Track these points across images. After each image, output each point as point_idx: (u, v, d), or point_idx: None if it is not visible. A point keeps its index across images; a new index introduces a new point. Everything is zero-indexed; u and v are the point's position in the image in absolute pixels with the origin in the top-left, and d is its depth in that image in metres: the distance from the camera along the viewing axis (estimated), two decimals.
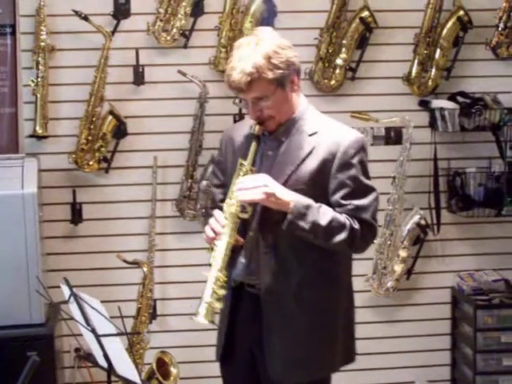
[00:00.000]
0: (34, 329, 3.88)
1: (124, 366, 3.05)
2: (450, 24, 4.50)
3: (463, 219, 4.61)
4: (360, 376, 4.51)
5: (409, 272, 4.58)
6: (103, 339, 3.02)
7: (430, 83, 4.53)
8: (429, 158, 4.58)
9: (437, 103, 4.54)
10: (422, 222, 4.52)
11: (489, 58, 4.58)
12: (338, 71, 4.48)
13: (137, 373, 3.00)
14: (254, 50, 2.79)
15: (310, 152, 2.86)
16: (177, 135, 4.44)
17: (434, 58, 4.51)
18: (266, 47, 2.80)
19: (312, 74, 4.48)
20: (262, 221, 2.88)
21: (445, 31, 4.50)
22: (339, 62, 4.46)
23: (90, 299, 3.06)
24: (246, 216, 2.84)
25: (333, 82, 4.50)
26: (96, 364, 3.25)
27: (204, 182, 4.39)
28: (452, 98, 4.56)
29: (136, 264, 4.33)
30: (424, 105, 4.58)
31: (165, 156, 4.44)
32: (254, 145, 2.87)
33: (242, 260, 2.96)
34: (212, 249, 2.85)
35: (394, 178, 4.41)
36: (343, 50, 4.46)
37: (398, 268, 4.48)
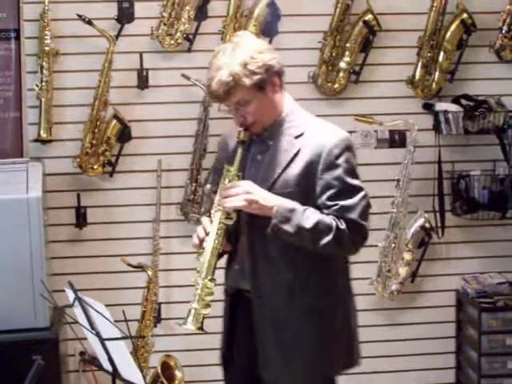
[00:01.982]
0: (38, 332, 3.88)
1: (129, 369, 3.05)
2: (453, 27, 4.50)
3: (468, 222, 4.61)
4: (364, 379, 4.51)
5: (413, 275, 4.58)
6: (108, 343, 3.02)
7: (433, 86, 4.53)
8: (433, 161, 4.58)
9: (441, 106, 4.54)
10: (427, 224, 4.52)
11: (492, 61, 4.58)
12: (341, 74, 4.48)
13: (141, 376, 3.00)
14: (230, 58, 2.77)
15: (296, 154, 2.84)
16: (181, 139, 4.45)
17: (438, 61, 4.51)
18: (242, 53, 2.78)
19: (316, 77, 4.48)
20: (250, 226, 2.88)
21: (448, 34, 4.50)
22: (343, 65, 4.47)
23: (94, 303, 3.06)
24: (230, 222, 2.85)
25: (336, 86, 4.50)
26: (101, 368, 3.25)
27: (208, 186, 4.39)
28: (456, 100, 4.56)
29: (140, 268, 4.34)
30: (428, 108, 4.58)
31: (169, 160, 4.44)
32: (240, 150, 2.88)
33: (235, 266, 2.97)
34: (199, 255, 2.89)
35: (398, 180, 4.41)
36: (347, 53, 4.47)
37: (403, 271, 4.48)
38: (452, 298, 4.72)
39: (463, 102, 4.55)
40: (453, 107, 4.51)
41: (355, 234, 2.84)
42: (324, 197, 2.82)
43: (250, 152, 2.92)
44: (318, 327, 2.91)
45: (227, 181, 2.86)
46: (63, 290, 3.23)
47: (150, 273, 4.35)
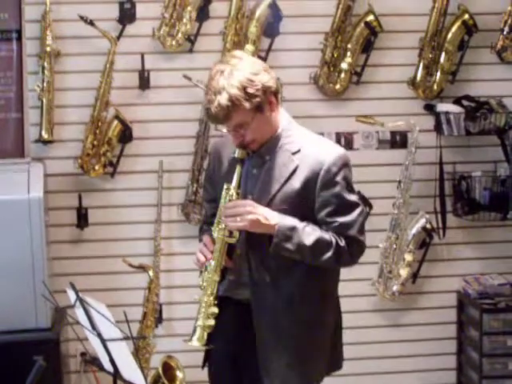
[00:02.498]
0: (40, 333, 3.89)
1: (130, 370, 3.05)
2: (454, 28, 4.50)
3: (469, 223, 4.61)
4: (366, 380, 4.51)
5: (414, 276, 4.58)
6: (109, 343, 3.02)
7: (435, 87, 4.53)
8: (434, 162, 4.58)
9: (442, 107, 4.54)
10: (428, 225, 4.52)
11: (494, 62, 4.58)
12: (343, 75, 4.48)
13: (143, 377, 3.00)
14: (228, 82, 2.76)
15: (294, 171, 2.86)
16: (182, 139, 4.45)
17: (439, 62, 4.51)
18: (240, 77, 2.77)
19: (317, 78, 4.48)
20: (249, 240, 2.91)
21: (450, 35, 4.50)
22: (344, 66, 4.46)
23: (95, 304, 3.06)
24: (233, 241, 2.89)
25: (338, 87, 4.50)
26: (102, 368, 3.25)
27: None
28: (457, 101, 4.56)
29: (142, 268, 4.34)
30: (429, 109, 4.58)
31: (170, 160, 4.44)
32: (238, 169, 2.90)
33: (230, 278, 2.98)
34: (202, 272, 2.95)
35: (399, 182, 4.41)
36: (348, 54, 4.47)
37: (404, 272, 4.48)
38: (453, 299, 4.71)
39: (464, 102, 4.55)
40: (454, 108, 4.51)
41: (354, 249, 2.90)
42: (323, 213, 2.87)
43: (245, 165, 2.93)
44: (315, 336, 2.97)
45: (227, 199, 2.89)
46: (64, 291, 3.23)
47: (151, 273, 4.35)
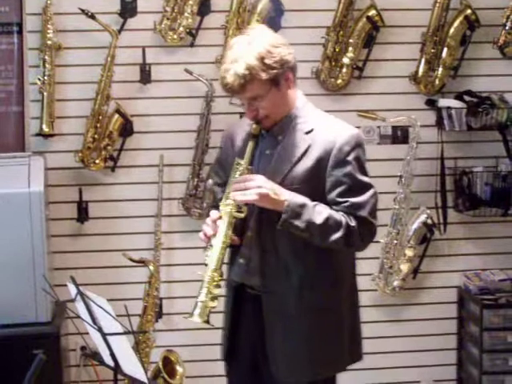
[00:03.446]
0: (40, 327, 3.89)
1: (130, 364, 3.05)
2: (457, 23, 4.49)
3: (470, 218, 4.60)
4: (366, 375, 4.51)
5: (415, 271, 4.57)
6: (110, 338, 3.02)
7: (436, 82, 4.52)
8: (435, 157, 4.57)
9: (444, 102, 4.53)
10: (429, 221, 4.51)
11: (496, 57, 4.56)
12: (344, 70, 4.47)
13: (143, 371, 3.00)
14: (246, 51, 2.75)
15: (306, 150, 2.84)
16: (183, 134, 4.44)
17: (441, 57, 4.50)
18: (259, 47, 2.76)
19: (319, 72, 4.47)
20: (260, 220, 2.88)
21: (452, 30, 4.49)
22: (346, 60, 4.46)
23: (96, 297, 3.06)
24: (241, 216, 2.84)
25: (339, 81, 4.49)
26: (102, 362, 3.25)
27: (210, 181, 4.39)
28: (459, 97, 4.55)
29: (142, 262, 4.33)
30: (431, 104, 4.57)
31: (171, 154, 4.44)
32: (250, 144, 2.88)
33: (240, 260, 2.96)
34: (207, 248, 2.87)
35: (400, 177, 4.41)
36: (350, 48, 4.46)
37: (405, 267, 4.47)
38: (454, 294, 4.71)
39: (466, 98, 4.54)
40: (456, 103, 4.50)
41: (365, 231, 2.84)
42: (334, 193, 2.82)
43: (259, 146, 2.91)
44: (326, 323, 2.92)
45: (238, 174, 2.85)
46: (65, 285, 3.24)
47: (151, 268, 4.35)
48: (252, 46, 2.76)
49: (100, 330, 3.03)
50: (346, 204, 2.81)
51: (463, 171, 4.57)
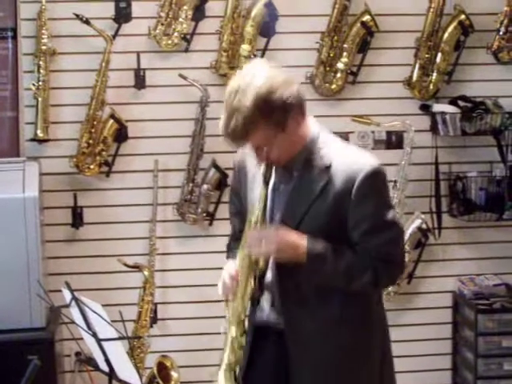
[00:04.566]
0: (34, 333, 3.88)
1: (125, 370, 3.05)
2: (451, 28, 4.50)
3: (464, 223, 4.61)
4: None
5: (410, 276, 4.57)
6: (104, 343, 3.02)
7: (431, 87, 4.53)
8: (430, 162, 4.58)
9: (438, 107, 4.54)
10: (423, 226, 4.52)
11: (490, 63, 4.58)
12: (339, 75, 4.48)
13: (138, 377, 3.00)
14: (244, 99, 2.54)
15: (324, 187, 2.64)
16: (178, 139, 4.44)
17: (435, 62, 4.51)
18: (257, 94, 2.54)
19: (313, 78, 4.48)
20: (280, 265, 2.70)
21: (446, 35, 4.50)
22: (340, 66, 4.46)
23: (91, 303, 3.06)
24: (259, 268, 2.69)
25: (334, 86, 4.50)
26: (97, 368, 3.25)
27: (205, 186, 4.40)
28: (453, 102, 4.56)
29: (137, 268, 4.33)
30: (425, 109, 4.58)
31: (166, 160, 4.44)
32: (263, 192, 2.69)
33: (264, 304, 2.78)
34: (226, 302, 2.75)
35: (395, 182, 4.41)
36: (344, 54, 4.46)
37: None
38: (448, 299, 4.71)
39: (460, 103, 4.55)
40: (450, 108, 4.51)
41: (393, 270, 2.71)
42: (357, 232, 2.65)
43: (272, 177, 2.72)
44: (356, 359, 2.75)
45: (253, 222, 2.68)
46: (59, 290, 3.23)
47: (146, 273, 4.34)
48: (249, 94, 2.55)
49: (95, 335, 3.03)
50: (370, 244, 2.64)
51: (457, 176, 4.57)
